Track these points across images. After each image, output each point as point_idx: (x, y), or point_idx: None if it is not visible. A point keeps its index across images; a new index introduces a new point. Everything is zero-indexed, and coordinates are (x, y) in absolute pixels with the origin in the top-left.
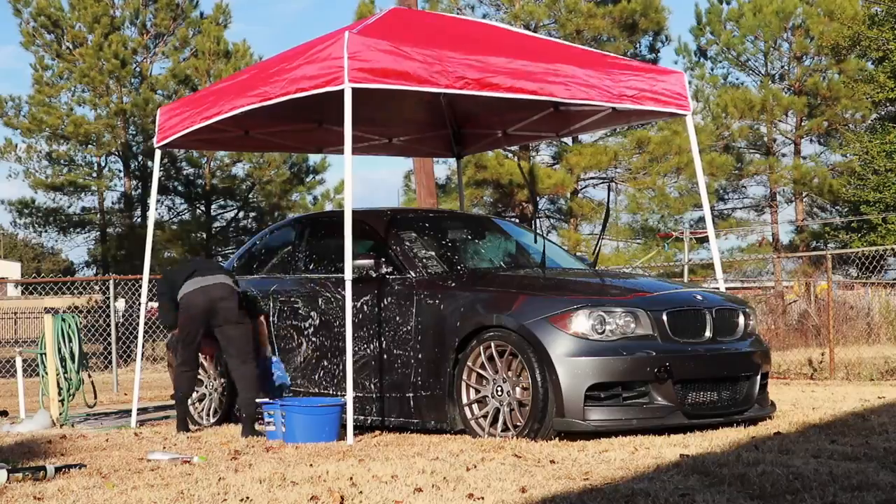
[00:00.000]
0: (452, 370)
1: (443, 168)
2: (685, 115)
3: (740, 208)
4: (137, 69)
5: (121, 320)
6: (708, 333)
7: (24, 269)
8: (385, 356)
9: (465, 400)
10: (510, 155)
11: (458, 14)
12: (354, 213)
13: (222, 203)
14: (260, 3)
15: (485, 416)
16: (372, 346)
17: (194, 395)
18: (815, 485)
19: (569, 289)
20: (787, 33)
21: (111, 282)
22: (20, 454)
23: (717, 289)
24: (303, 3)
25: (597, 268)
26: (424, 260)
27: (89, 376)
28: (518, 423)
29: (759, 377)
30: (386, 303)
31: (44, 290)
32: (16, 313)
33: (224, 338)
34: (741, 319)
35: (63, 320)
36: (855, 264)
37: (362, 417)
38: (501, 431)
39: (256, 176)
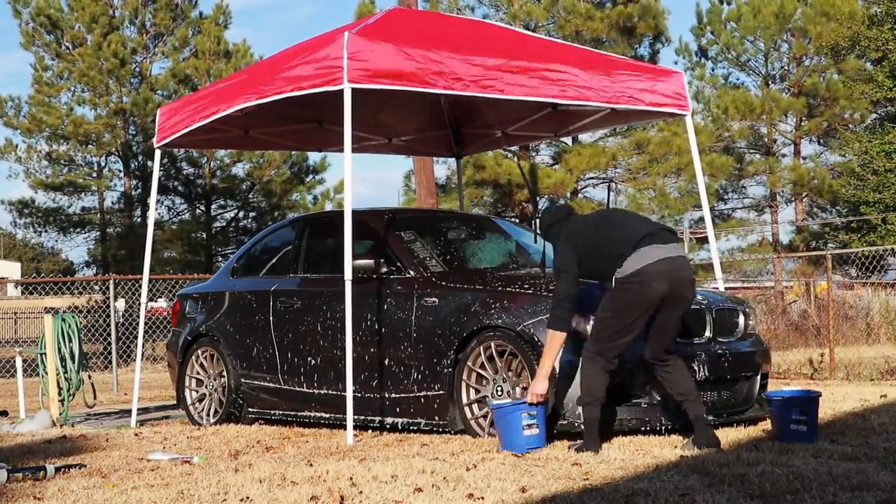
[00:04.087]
0: (452, 370)
1: (443, 168)
2: (685, 116)
3: (740, 208)
4: (137, 69)
5: (121, 320)
6: (708, 333)
7: (24, 269)
8: (385, 356)
9: (465, 400)
10: (509, 155)
11: (457, 14)
12: (354, 213)
13: (222, 203)
14: (267, 8)
15: (485, 416)
16: (372, 345)
17: (194, 395)
18: (815, 485)
19: None
20: (786, 34)
21: (111, 282)
22: (20, 454)
23: (717, 289)
24: (310, 10)
25: None
26: (424, 260)
27: (89, 377)
28: None
29: (759, 377)
30: (386, 303)
31: (44, 290)
32: (16, 313)
33: (664, 323)
34: (741, 319)
35: (63, 320)
36: (855, 264)
37: (362, 417)
38: None
39: (256, 176)
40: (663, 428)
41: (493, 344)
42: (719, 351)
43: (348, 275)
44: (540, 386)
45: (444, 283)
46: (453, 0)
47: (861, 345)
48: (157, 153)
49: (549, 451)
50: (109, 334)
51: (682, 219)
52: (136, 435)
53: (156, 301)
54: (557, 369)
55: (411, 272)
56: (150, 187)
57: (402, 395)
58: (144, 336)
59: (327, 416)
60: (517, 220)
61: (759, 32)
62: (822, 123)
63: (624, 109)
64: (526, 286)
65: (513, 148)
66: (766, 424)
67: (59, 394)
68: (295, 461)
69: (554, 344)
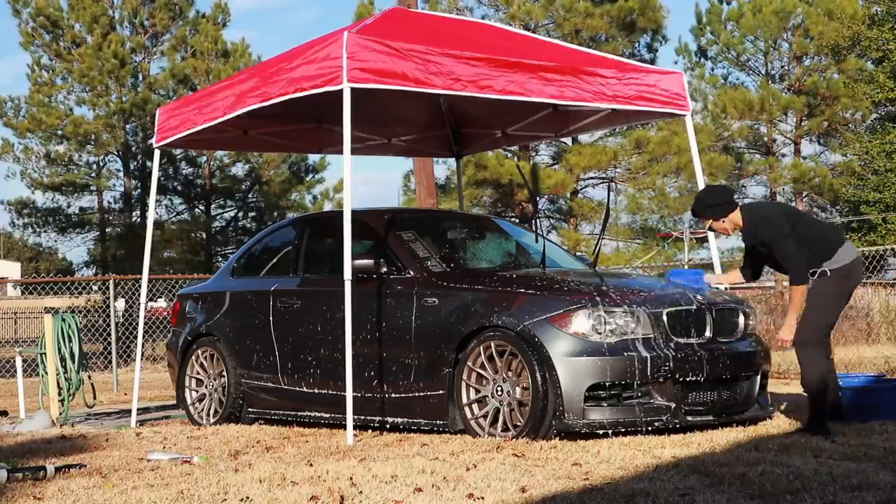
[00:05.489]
0: (452, 370)
1: (443, 168)
2: (684, 116)
3: None
4: (136, 69)
5: (121, 320)
6: (708, 333)
7: (23, 269)
8: (385, 356)
9: (465, 400)
10: (510, 155)
11: (457, 14)
12: (354, 213)
13: (222, 203)
14: (270, 11)
15: (485, 416)
16: (372, 345)
17: (194, 394)
18: (815, 485)
19: (569, 289)
20: (786, 33)
21: (111, 282)
22: (20, 454)
23: (717, 289)
24: (313, 13)
25: (597, 268)
26: (424, 260)
27: (89, 377)
28: (518, 423)
29: (759, 377)
30: (386, 303)
31: (44, 290)
32: (16, 313)
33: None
34: (741, 319)
35: (63, 320)
36: None
37: (362, 417)
38: (501, 431)
39: (256, 176)
40: (664, 428)
41: (493, 344)
42: (719, 351)
43: (347, 275)
44: (787, 332)
45: (444, 283)
46: (453, 0)
47: (861, 344)
48: (157, 153)
49: (549, 450)
50: (109, 334)
51: (682, 219)
52: (137, 435)
53: (156, 301)
54: (559, 370)
55: (411, 272)
56: (149, 187)
57: (402, 395)
58: (144, 336)
59: (327, 416)
60: (517, 220)
61: (758, 31)
62: (823, 123)
63: (624, 110)
64: (526, 286)
65: (513, 148)
66: (767, 424)
67: (59, 394)
68: (295, 461)
69: (797, 297)
